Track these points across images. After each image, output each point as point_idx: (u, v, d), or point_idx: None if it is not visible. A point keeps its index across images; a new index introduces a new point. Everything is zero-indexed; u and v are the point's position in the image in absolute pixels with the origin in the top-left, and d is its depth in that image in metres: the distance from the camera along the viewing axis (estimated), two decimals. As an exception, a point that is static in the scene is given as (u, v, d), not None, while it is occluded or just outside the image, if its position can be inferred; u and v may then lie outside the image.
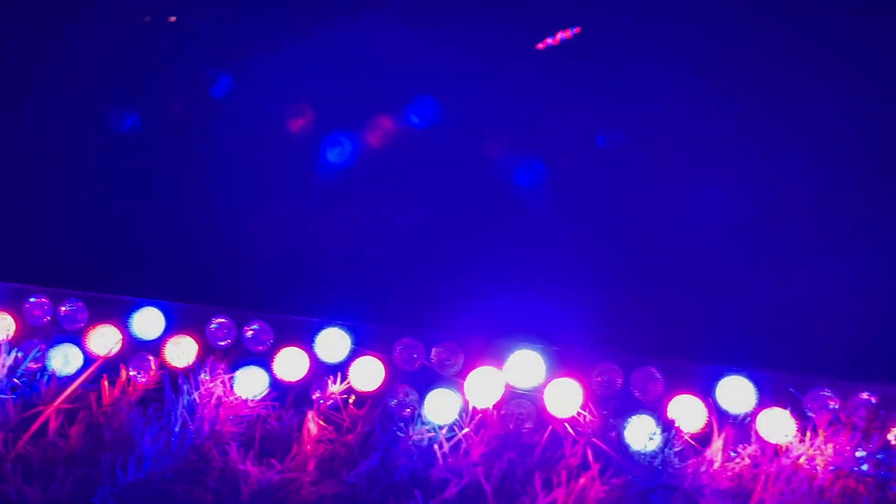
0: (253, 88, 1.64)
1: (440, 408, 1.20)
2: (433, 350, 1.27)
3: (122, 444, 1.05)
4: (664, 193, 1.47)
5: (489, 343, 1.25)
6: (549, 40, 1.51)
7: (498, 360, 1.23)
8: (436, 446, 1.06)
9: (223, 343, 1.34)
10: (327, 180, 1.61)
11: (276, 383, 1.28)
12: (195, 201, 1.59)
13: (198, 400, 1.10)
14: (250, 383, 1.27)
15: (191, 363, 1.32)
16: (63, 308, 1.35)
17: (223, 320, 1.34)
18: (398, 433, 1.08)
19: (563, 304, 1.39)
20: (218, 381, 1.23)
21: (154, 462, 1.01)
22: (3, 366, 1.18)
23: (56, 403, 1.07)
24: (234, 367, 1.28)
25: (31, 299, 1.35)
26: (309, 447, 1.00)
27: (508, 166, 1.55)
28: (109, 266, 1.48)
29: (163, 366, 1.32)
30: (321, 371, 1.29)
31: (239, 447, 1.01)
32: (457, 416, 1.16)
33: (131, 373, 1.30)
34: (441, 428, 1.10)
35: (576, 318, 1.35)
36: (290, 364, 1.31)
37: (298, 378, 1.30)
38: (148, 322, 1.34)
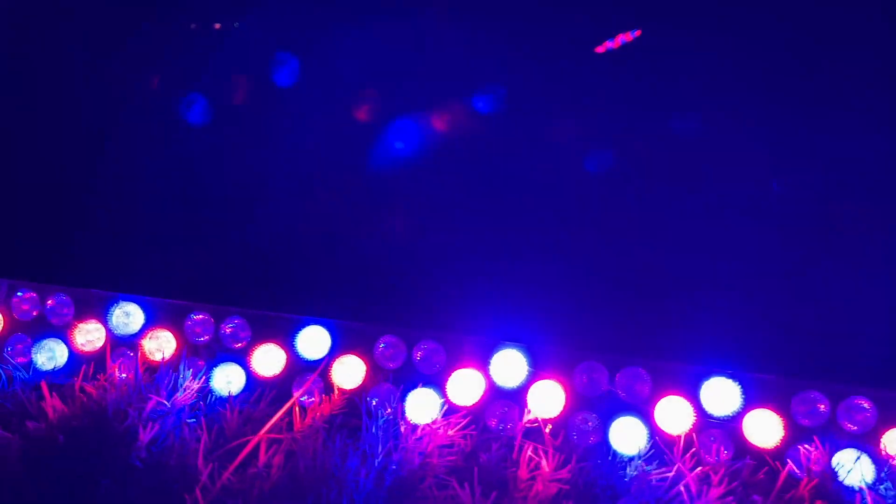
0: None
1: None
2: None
3: (323, 477, 0.99)
4: (651, 193, 1.44)
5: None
6: (609, 43, 1.44)
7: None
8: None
9: (392, 365, 1.27)
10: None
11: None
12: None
13: (402, 429, 1.02)
14: (424, 407, 1.21)
15: (358, 385, 1.26)
16: (227, 327, 1.30)
17: (393, 339, 1.27)
18: (628, 471, 0.99)
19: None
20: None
21: (367, 499, 0.95)
22: (184, 388, 1.13)
23: (263, 432, 1.00)
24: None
25: (194, 316, 1.30)
26: (541, 486, 0.92)
27: (494, 164, 1.51)
28: (272, 283, 1.42)
29: (329, 388, 1.25)
30: (498, 394, 1.22)
31: (462, 483, 0.94)
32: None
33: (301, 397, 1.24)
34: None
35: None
36: (464, 386, 1.24)
37: (473, 402, 1.23)
38: (313, 341, 1.28)
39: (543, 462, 0.96)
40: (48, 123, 1.58)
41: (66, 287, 1.33)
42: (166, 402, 1.06)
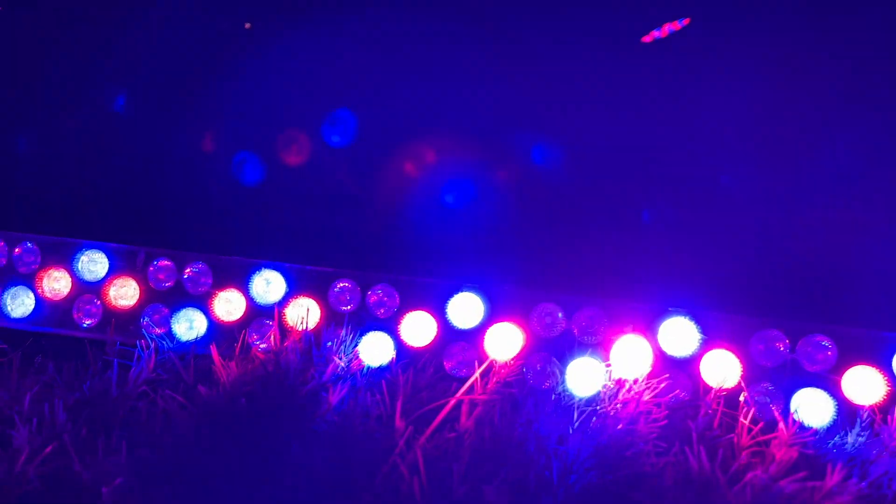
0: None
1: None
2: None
3: (522, 443, 0.92)
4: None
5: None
6: (656, 33, 1.37)
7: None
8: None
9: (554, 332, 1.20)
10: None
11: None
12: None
13: (620, 396, 0.95)
14: (587, 378, 1.14)
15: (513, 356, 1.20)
16: (372, 295, 1.24)
17: (552, 306, 1.21)
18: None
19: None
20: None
21: (571, 467, 0.88)
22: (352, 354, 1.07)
23: (459, 395, 0.94)
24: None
25: (339, 284, 1.25)
26: (780, 452, 0.84)
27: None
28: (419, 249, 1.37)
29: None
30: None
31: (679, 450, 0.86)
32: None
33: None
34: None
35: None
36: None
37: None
38: (467, 309, 1.22)
39: (782, 425, 0.89)
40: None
41: (204, 255, 1.28)
42: (344, 366, 1.00)
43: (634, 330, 1.17)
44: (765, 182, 1.37)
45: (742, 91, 1.36)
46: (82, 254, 1.30)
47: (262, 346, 1.23)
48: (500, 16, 1.45)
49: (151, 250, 1.28)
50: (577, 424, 0.94)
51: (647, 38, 1.40)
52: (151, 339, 1.18)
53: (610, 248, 1.34)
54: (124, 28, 1.48)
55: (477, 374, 1.00)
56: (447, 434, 0.91)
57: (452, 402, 0.93)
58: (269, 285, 1.26)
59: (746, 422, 0.92)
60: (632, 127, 1.38)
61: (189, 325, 1.26)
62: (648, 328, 1.17)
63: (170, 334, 1.24)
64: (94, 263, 1.30)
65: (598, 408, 0.95)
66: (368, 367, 1.09)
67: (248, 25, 1.54)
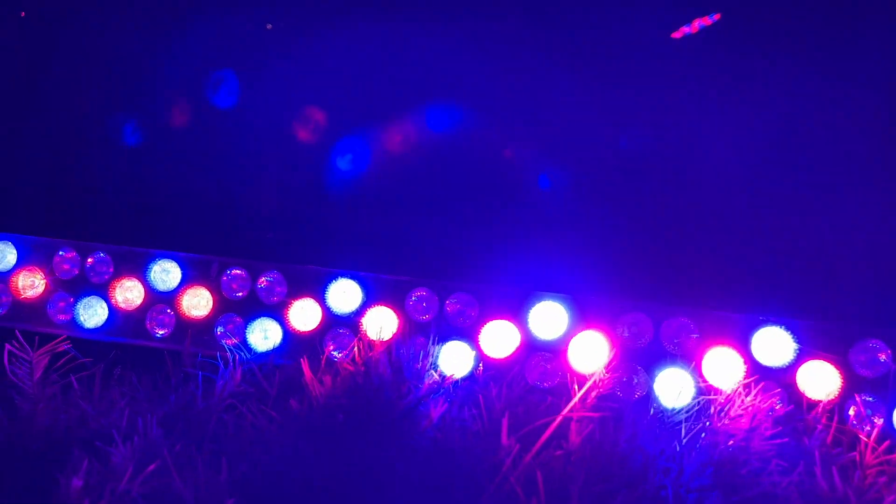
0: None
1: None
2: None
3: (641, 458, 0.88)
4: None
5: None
6: (686, 28, 1.33)
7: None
8: None
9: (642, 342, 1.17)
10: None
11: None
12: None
13: (729, 410, 0.91)
14: (676, 389, 1.10)
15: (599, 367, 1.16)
16: (451, 304, 1.21)
17: (640, 316, 1.17)
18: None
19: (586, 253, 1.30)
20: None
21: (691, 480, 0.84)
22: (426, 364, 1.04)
23: (567, 410, 0.90)
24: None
25: (417, 294, 1.22)
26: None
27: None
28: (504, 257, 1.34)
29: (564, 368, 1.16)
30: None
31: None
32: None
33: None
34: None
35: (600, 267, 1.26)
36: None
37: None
38: (550, 318, 1.19)
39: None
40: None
41: (278, 264, 1.26)
42: (440, 380, 0.98)
43: (725, 341, 1.13)
44: (846, 183, 1.33)
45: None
46: (155, 263, 1.28)
47: (338, 355, 1.21)
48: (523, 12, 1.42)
49: (225, 260, 1.26)
50: (685, 441, 0.90)
51: (677, 34, 1.38)
52: (228, 349, 1.16)
53: (699, 256, 1.30)
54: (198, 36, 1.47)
55: (584, 388, 0.96)
56: (554, 451, 0.87)
57: (559, 418, 0.89)
58: (345, 295, 1.24)
59: (869, 438, 0.87)
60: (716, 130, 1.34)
61: (264, 335, 1.24)
62: (740, 338, 1.13)
63: (244, 345, 1.22)
64: (166, 273, 1.28)
65: (706, 423, 0.91)
66: (457, 380, 1.06)
67: (269, 26, 1.53)
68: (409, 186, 1.44)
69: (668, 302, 1.15)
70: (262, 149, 1.48)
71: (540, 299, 1.18)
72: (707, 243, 1.29)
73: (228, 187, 1.47)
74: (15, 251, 1.31)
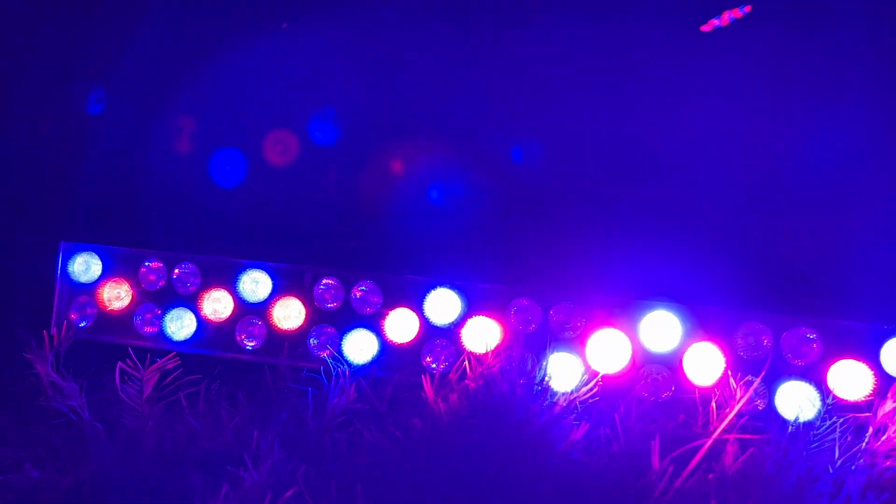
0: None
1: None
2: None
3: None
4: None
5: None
6: (715, 21, 1.28)
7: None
8: None
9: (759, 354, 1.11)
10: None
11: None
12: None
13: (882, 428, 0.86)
14: (796, 402, 1.06)
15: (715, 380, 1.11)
16: (556, 315, 1.17)
17: (759, 326, 1.12)
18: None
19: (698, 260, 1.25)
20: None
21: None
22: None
23: (718, 433, 0.85)
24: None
25: (519, 302, 1.18)
26: None
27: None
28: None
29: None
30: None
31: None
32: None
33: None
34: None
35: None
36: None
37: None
38: (663, 329, 1.14)
39: None
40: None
41: (373, 273, 1.22)
42: (569, 397, 0.93)
43: (851, 353, 1.08)
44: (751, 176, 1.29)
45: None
46: (245, 274, 1.25)
47: (435, 366, 1.18)
48: (481, 14, 1.39)
49: (318, 269, 1.23)
50: (838, 462, 0.85)
51: (706, 28, 1.34)
52: (328, 362, 1.13)
53: (821, 263, 1.24)
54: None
55: (737, 406, 0.91)
56: (703, 474, 0.83)
57: (711, 441, 0.84)
58: (444, 305, 1.20)
59: None
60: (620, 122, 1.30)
61: (360, 347, 1.20)
62: (868, 349, 1.08)
63: (340, 357, 1.18)
64: (256, 284, 1.25)
65: (863, 443, 0.86)
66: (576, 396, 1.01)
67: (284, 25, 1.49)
68: (506, 197, 1.40)
69: (787, 311, 1.09)
70: (352, 156, 1.44)
71: (652, 308, 1.13)
72: (832, 248, 1.24)
73: (316, 196, 1.44)
74: (100, 262, 1.29)
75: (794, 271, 1.23)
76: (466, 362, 1.05)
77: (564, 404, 0.91)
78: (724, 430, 0.87)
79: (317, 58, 1.46)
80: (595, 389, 1.04)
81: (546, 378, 1.01)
